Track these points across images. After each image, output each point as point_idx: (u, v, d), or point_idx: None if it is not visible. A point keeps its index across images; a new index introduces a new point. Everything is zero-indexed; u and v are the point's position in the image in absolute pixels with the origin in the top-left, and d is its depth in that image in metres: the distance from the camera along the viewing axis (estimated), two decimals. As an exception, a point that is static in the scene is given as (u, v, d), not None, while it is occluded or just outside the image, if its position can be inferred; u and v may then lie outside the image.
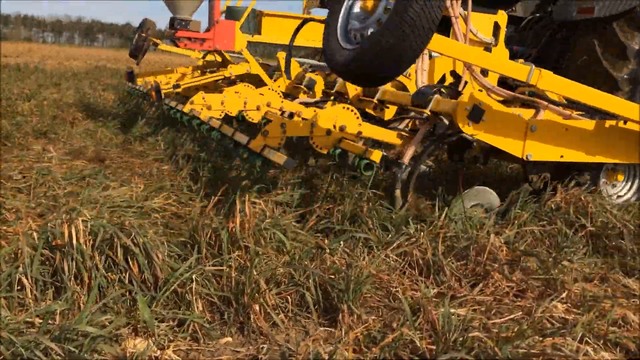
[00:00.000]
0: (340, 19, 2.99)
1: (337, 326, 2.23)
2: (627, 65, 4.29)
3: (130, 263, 2.32)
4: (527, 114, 3.47)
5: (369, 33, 2.79)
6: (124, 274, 2.30)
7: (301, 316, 2.32)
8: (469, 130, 3.15)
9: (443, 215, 3.00)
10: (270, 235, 2.67)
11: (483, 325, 2.30)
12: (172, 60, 28.48)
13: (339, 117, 3.61)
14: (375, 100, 4.11)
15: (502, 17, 4.39)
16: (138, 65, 7.27)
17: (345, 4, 3.00)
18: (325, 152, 3.67)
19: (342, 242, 2.78)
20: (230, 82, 6.28)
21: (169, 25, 5.81)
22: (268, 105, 5.05)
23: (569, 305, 2.47)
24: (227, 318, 2.23)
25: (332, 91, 4.87)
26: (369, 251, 2.78)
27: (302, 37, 6.37)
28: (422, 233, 2.84)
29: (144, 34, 6.48)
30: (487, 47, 4.28)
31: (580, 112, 3.64)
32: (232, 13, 6.50)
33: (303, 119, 4.00)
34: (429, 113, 3.45)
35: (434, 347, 2.04)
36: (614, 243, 3.16)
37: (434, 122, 3.51)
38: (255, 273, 2.33)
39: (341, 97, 4.69)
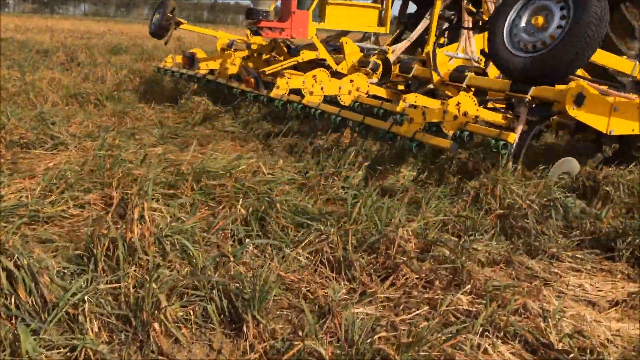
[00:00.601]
0: (505, 30, 3.78)
1: (243, 337, 2.18)
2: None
3: (16, 287, 2.14)
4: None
5: (541, 45, 3.67)
6: (9, 299, 2.13)
7: (206, 328, 2.24)
8: (573, 112, 3.82)
9: (356, 209, 2.98)
10: (174, 243, 2.54)
11: (390, 323, 2.31)
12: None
13: (462, 104, 4.10)
14: (464, 85, 4.73)
15: None
16: (166, 45, 7.90)
17: (508, 18, 3.79)
18: (451, 133, 4.23)
19: (250, 246, 2.70)
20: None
21: (246, 15, 6.24)
22: (357, 90, 5.51)
23: (474, 295, 2.52)
24: (126, 339, 2.12)
25: (408, 75, 5.35)
26: (277, 252, 2.72)
27: (338, 22, 6.98)
28: (332, 229, 2.80)
29: (170, 14, 6.98)
30: None
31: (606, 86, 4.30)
32: (298, 2, 6.75)
33: (411, 106, 4.61)
34: (529, 98, 4.03)
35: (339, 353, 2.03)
36: (519, 224, 3.26)
37: (532, 105, 4.10)
38: (155, 287, 2.22)
39: (415, 81, 5.38)
